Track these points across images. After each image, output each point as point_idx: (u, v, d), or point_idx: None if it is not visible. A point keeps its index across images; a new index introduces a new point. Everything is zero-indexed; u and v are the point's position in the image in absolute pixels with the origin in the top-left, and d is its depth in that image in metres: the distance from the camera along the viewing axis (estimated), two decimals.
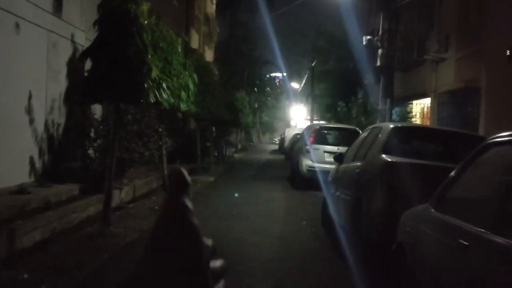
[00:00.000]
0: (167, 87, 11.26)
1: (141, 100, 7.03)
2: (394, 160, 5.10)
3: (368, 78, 16.53)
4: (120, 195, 11.02)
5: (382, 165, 5.15)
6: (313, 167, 12.72)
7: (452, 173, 3.37)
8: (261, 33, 41.90)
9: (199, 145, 17.38)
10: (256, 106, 49.04)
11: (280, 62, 43.38)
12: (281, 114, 59.37)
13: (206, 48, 33.77)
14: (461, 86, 13.15)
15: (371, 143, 5.90)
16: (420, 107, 16.93)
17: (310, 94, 34.30)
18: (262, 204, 10.31)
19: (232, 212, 9.14)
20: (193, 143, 17.55)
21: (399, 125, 6.55)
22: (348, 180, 6.28)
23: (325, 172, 12.36)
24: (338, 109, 16.87)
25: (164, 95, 7.61)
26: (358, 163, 5.99)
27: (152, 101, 7.14)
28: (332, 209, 7.12)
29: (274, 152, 39.94)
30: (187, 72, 12.16)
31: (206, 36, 35.00)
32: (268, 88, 54.59)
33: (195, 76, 12.41)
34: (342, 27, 32.48)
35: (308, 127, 14.55)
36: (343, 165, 6.92)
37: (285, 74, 49.66)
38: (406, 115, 16.05)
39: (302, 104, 51.09)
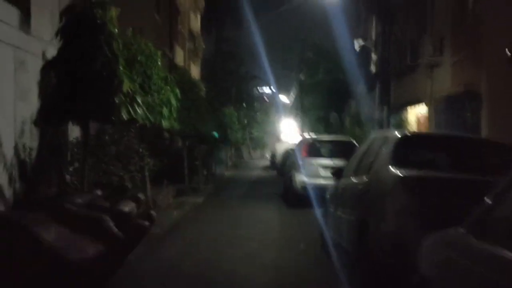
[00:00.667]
0: (146, 102, 10.50)
1: (113, 118, 6.20)
2: (406, 174, 4.33)
3: (361, 88, 15.86)
4: None
5: (392, 180, 4.38)
6: (308, 183, 11.93)
7: (497, 190, 2.59)
8: (247, 48, 41.43)
9: (186, 164, 16.53)
10: (245, 122, 48.32)
11: (268, 77, 42.83)
12: (271, 128, 58.63)
13: (192, 64, 33.13)
14: (459, 91, 12.49)
15: (375, 154, 5.13)
16: (415, 114, 16.27)
17: (299, 107, 33.63)
18: (255, 226, 9.48)
19: (222, 237, 8.30)
20: (181, 162, 16.70)
21: (409, 133, 5.77)
22: (351, 198, 5.49)
23: (321, 188, 11.58)
24: (331, 120, 16.15)
25: (139, 111, 6.79)
26: (361, 179, 5.21)
27: (125, 118, 6.33)
28: (333, 230, 6.32)
29: (266, 168, 39.11)
30: (168, 87, 11.39)
31: (191, 52, 34.39)
32: (257, 103, 53.97)
33: (177, 91, 11.65)
34: (329, 38, 32.10)
35: (301, 141, 13.81)
36: (343, 181, 6.13)
37: (273, 88, 49.11)
38: (400, 123, 15.37)
39: (292, 118, 50.47)
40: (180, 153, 16.92)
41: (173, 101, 11.19)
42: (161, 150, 18.80)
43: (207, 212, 11.81)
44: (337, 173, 6.63)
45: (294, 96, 44.00)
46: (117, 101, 6.09)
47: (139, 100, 6.92)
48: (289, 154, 23.51)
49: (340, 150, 12.40)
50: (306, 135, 13.55)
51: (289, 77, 44.38)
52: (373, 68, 11.86)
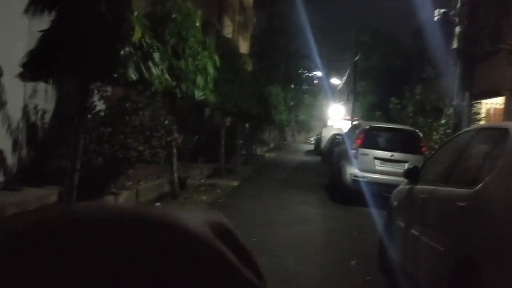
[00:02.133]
0: (178, 68, 8.95)
1: (115, 75, 4.63)
2: None
3: (430, 71, 13.78)
4: (116, 202, 8.79)
5: None
6: (360, 177, 10.14)
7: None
8: (300, 26, 39.26)
9: (223, 142, 14.99)
10: (292, 103, 46.46)
11: (320, 58, 40.55)
12: (318, 113, 56.51)
13: (241, 38, 31.42)
14: None
15: (486, 158, 3.36)
16: (486, 108, 14.04)
17: (352, 91, 31.47)
18: (292, 225, 7.80)
19: (252, 238, 6.70)
20: (218, 140, 15.21)
21: None
22: (440, 217, 3.74)
23: (376, 184, 9.82)
24: (390, 106, 14.15)
25: (155, 71, 5.19)
26: (461, 190, 3.45)
27: (133, 77, 4.74)
28: (402, 253, 4.59)
29: (309, 152, 37.25)
30: (206, 53, 9.80)
31: (241, 26, 32.65)
32: (306, 85, 51.90)
33: (216, 58, 10.03)
34: (388, 20, 29.79)
35: (354, 127, 11.93)
36: (423, 187, 4.36)
37: (323, 71, 46.74)
38: (473, 117, 13.26)
39: (341, 103, 48.16)
40: (218, 130, 15.37)
41: (210, 70, 9.60)
42: (198, 125, 17.40)
43: (239, 200, 10.23)
44: (412, 173, 4.85)
45: (345, 80, 41.65)
46: (122, 54, 4.50)
47: (156, 57, 5.31)
48: (337, 141, 21.65)
49: (402, 142, 10.52)
50: (359, 122, 11.66)
51: (342, 60, 41.97)
52: (455, 43, 9.95)
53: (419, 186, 4.49)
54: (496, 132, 3.49)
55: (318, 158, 30.14)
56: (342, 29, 38.71)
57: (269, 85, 30.14)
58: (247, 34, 35.71)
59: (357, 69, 31.17)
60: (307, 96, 51.65)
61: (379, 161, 10.18)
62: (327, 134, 33.08)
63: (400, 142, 10.47)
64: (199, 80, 9.22)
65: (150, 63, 5.11)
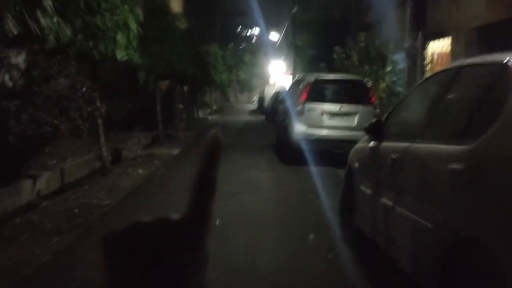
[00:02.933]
0: (93, 25, 7.71)
1: None
2: None
3: (373, 16, 13.01)
4: (35, 187, 7.63)
5: None
6: (309, 134, 9.38)
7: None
8: None
9: (159, 108, 13.83)
10: (232, 63, 45.13)
11: (257, 13, 39.19)
12: (259, 71, 55.47)
13: None
14: (502, 18, 9.79)
15: (480, 104, 2.54)
16: (432, 51, 13.51)
17: (291, 45, 30.62)
18: (240, 194, 6.93)
19: None
20: (154, 106, 14.03)
21: None
22: (423, 184, 2.92)
23: (325, 140, 9.10)
24: (334, 56, 13.35)
25: (43, 21, 4.03)
26: (451, 148, 2.62)
27: (14, 31, 3.58)
28: (369, 225, 3.82)
29: (253, 112, 36.43)
30: (126, 6, 8.52)
31: None
32: (244, 44, 50.51)
33: (139, 12, 8.78)
34: None
35: (298, 81, 11.07)
36: (391, 144, 3.55)
37: (261, 27, 45.42)
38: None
39: (282, 59, 47.29)
40: (153, 96, 14.17)
41: (133, 25, 8.36)
42: (132, 91, 16.06)
43: (180, 170, 9.25)
44: (374, 128, 4.02)
45: (284, 34, 40.65)
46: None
47: (48, 5, 4.13)
48: (280, 98, 20.88)
49: (350, 93, 9.80)
50: (303, 75, 10.80)
51: (280, 14, 40.76)
52: None
53: (386, 144, 3.69)
54: (490, 69, 2.67)
55: (263, 118, 29.38)
56: None
57: (206, 44, 28.76)
58: None
59: (295, 22, 30.22)
60: (246, 54, 50.34)
61: (327, 116, 9.43)
62: (269, 92, 32.30)
63: (348, 93, 9.74)
64: (120, 38, 7.99)
65: (38, 13, 3.94)
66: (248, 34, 51.53)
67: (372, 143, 4.04)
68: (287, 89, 13.53)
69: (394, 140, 3.60)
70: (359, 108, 9.41)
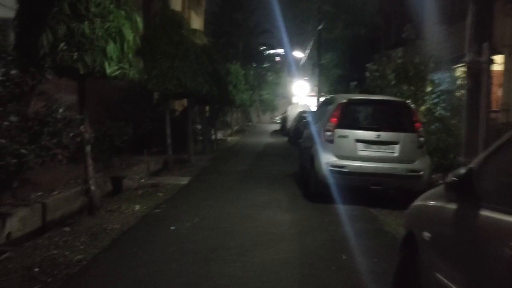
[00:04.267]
0: (80, 32, 6.33)
1: None
2: None
3: (409, 30, 11.41)
4: (3, 228, 6.26)
5: None
6: (339, 166, 7.77)
7: None
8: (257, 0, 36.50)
9: (168, 130, 12.42)
10: (255, 83, 43.87)
11: (280, 32, 37.94)
12: (282, 90, 54.13)
13: (193, 13, 28.51)
14: None
15: None
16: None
17: (317, 64, 29.14)
18: (252, 251, 5.32)
19: (195, 275, 4.27)
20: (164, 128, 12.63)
21: None
22: None
23: (360, 174, 7.50)
24: (367, 73, 11.71)
25: None
26: None
27: None
28: None
29: (275, 133, 34.91)
30: (122, 12, 7.15)
31: (193, 0, 29.73)
32: (267, 63, 49.31)
33: (138, 19, 7.37)
34: None
35: (327, 101, 9.44)
36: (502, 217, 1.98)
37: (285, 46, 44.11)
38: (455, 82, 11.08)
39: (306, 79, 45.84)
40: (160, 116, 12.80)
41: (128, 35, 6.94)
42: (142, 111, 14.74)
43: (183, 208, 7.73)
44: (464, 183, 2.40)
45: (309, 53, 39.24)
46: None
47: None
48: (304, 120, 19.31)
49: (390, 117, 8.18)
50: (333, 96, 9.18)
51: (305, 33, 39.40)
52: None
53: (489, 214, 2.11)
54: None
55: (285, 139, 27.80)
56: (303, 0, 36.02)
57: (227, 63, 27.51)
58: (201, 9, 32.79)
59: (321, 40, 28.78)
60: (269, 73, 49.09)
61: (362, 144, 7.81)
62: (292, 112, 30.76)
63: (388, 118, 8.13)
64: (111, 49, 6.58)
65: None
66: (271, 53, 50.35)
67: (458, 206, 2.46)
68: (312, 111, 11.89)
69: (503, 204, 2.01)
70: (401, 135, 7.78)
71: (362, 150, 7.79)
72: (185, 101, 17.99)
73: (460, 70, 10.14)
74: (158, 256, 5.17)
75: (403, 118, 8.02)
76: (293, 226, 6.57)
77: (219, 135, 25.43)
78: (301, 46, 41.00)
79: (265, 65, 48.76)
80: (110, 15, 6.81)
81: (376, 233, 6.31)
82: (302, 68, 46.93)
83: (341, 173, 7.73)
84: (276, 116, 54.79)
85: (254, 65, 43.99)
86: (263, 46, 44.82)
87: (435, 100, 10.67)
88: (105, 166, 11.05)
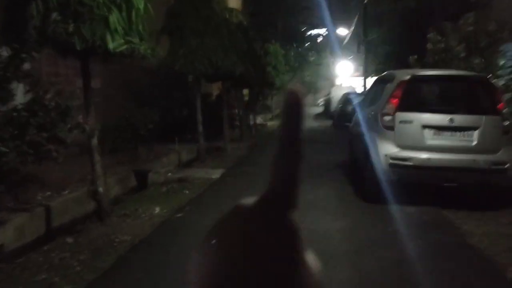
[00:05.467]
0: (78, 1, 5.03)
1: None
2: None
3: None
4: None
5: None
6: (403, 158, 6.24)
7: None
8: None
9: (199, 116, 11.15)
10: (295, 63, 42.07)
11: (322, 9, 35.84)
12: (325, 71, 52.03)
13: None
14: None
15: None
16: None
17: (362, 42, 27.21)
18: None
19: None
20: (193, 114, 11.38)
21: None
22: None
23: (429, 168, 5.98)
24: (429, 45, 9.90)
25: None
26: None
27: None
28: None
29: (318, 116, 33.27)
30: None
31: None
32: (309, 43, 47.22)
33: None
34: None
35: (383, 79, 7.74)
36: None
37: (327, 24, 41.91)
38: None
39: (350, 58, 43.72)
40: (190, 102, 11.53)
41: (138, 1, 5.61)
42: (173, 96, 13.52)
43: (211, 210, 6.40)
44: None
45: (353, 30, 37.09)
46: None
47: None
48: (352, 102, 17.65)
49: (465, 96, 6.53)
50: (391, 72, 7.49)
51: (349, 9, 37.21)
52: None
53: None
54: None
55: (329, 123, 26.15)
56: None
57: (266, 43, 26.00)
58: None
59: (366, 14, 26.78)
60: (311, 54, 47.06)
61: (432, 131, 6.24)
62: (336, 94, 28.98)
63: (463, 97, 6.48)
64: (115, 18, 5.27)
65: None
66: (312, 33, 48.25)
67: None
68: (362, 92, 10.23)
69: None
70: (481, 119, 6.16)
71: (432, 139, 6.22)
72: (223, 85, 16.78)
73: None
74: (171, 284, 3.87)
75: (482, 97, 6.36)
76: (345, 238, 5.13)
77: (259, 120, 24.07)
78: (345, 23, 38.88)
79: (306, 45, 46.73)
80: None
81: (458, 249, 4.80)
82: (345, 48, 44.77)
83: (404, 167, 6.20)
84: (319, 99, 52.94)
85: (295, 46, 42.13)
86: (304, 25, 42.75)
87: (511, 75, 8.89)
88: (131, 158, 9.93)
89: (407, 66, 10.84)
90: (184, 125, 13.53)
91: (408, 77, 6.45)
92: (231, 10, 15.51)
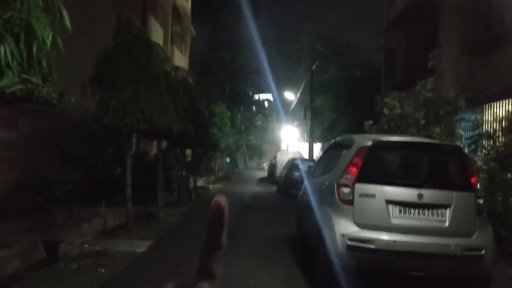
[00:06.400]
0: None
1: None
2: None
3: (436, 57, 9.11)
4: None
5: None
6: (363, 240, 5.17)
7: None
8: (246, 40, 34.56)
9: (129, 178, 9.80)
10: (242, 127, 41.58)
11: (269, 74, 35.85)
12: (271, 136, 51.90)
13: (176, 50, 26.42)
14: None
15: None
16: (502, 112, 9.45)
17: (309, 107, 26.96)
18: None
19: None
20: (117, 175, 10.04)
21: None
22: None
23: (394, 252, 4.92)
24: (385, 111, 9.13)
25: None
26: None
27: None
28: None
29: (263, 181, 32.25)
30: (39, 0, 4.69)
31: (177, 36, 27.71)
32: (254, 107, 47.16)
33: (64, 13, 4.91)
34: (341, 32, 26.34)
35: (339, 144, 6.79)
36: None
37: (274, 90, 42.04)
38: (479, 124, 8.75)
39: (295, 123, 43.76)
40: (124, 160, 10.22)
41: (44, 32, 4.45)
42: (100, 155, 12.14)
43: None
44: None
45: (300, 96, 37.19)
46: None
47: None
48: (299, 169, 16.81)
49: (435, 168, 5.63)
50: (349, 136, 6.50)
51: (296, 75, 37.45)
52: None
53: None
54: None
55: (273, 188, 25.15)
56: (294, 40, 34.22)
57: (212, 103, 25.21)
58: (186, 47, 30.76)
59: (313, 81, 26.73)
60: (257, 118, 46.90)
61: (397, 208, 5.25)
62: (282, 159, 28.19)
63: (433, 169, 5.58)
64: (7, 50, 4.07)
65: None
66: (260, 98, 48.40)
67: None
68: (311, 158, 9.23)
69: None
70: (453, 195, 5.25)
71: (397, 217, 5.22)
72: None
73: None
74: None
75: (454, 170, 5.49)
76: None
77: (201, 183, 22.77)
78: (292, 88, 39.05)
79: (253, 109, 46.61)
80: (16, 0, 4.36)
81: None
82: (291, 113, 44.93)
83: (365, 251, 5.12)
84: (263, 163, 52.34)
85: (242, 109, 41.80)
86: (252, 88, 42.69)
87: (472, 147, 8.27)
88: (44, 224, 8.38)
89: (356, 132, 10.12)
90: (115, 186, 12.07)
91: (369, 143, 5.51)
92: (177, 68, 14.64)
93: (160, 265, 6.82)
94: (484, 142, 8.23)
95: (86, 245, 7.96)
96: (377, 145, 5.49)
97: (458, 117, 8.84)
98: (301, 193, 8.46)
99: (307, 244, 6.49)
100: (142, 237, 8.82)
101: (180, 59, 27.03)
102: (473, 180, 5.43)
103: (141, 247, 7.95)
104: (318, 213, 5.94)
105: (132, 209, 10.60)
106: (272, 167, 31.09)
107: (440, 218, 5.21)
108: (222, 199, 0.57)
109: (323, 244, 5.46)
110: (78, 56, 10.86)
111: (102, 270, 6.44)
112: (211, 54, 33.84)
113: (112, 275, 6.22)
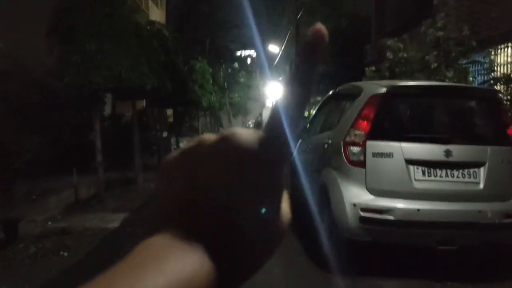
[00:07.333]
0: None
1: None
2: None
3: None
4: None
5: None
6: (379, 211, 4.18)
7: None
8: None
9: (99, 143, 8.70)
10: (225, 84, 40.24)
11: (252, 28, 34.21)
12: (255, 93, 50.62)
13: (151, 4, 24.78)
14: None
15: None
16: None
17: (294, 61, 25.67)
18: None
19: None
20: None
21: None
22: None
23: (416, 223, 3.92)
24: (389, 55, 7.98)
25: None
26: None
27: None
28: None
29: None
30: None
31: None
32: (237, 64, 45.66)
33: None
34: None
35: (343, 93, 5.64)
36: None
37: (258, 44, 40.42)
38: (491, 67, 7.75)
39: (280, 79, 42.46)
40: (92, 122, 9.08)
41: None
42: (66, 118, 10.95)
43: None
44: None
45: (284, 49, 35.75)
46: None
47: None
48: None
49: (467, 119, 4.61)
50: (355, 84, 5.32)
51: (280, 27, 35.85)
52: None
53: None
54: None
55: None
56: None
57: (191, 58, 23.87)
58: (162, 1, 28.99)
59: (298, 33, 25.43)
60: (241, 75, 45.48)
61: (420, 169, 4.25)
62: (267, 116, 27.13)
63: (462, 120, 4.56)
64: None
65: None
66: (242, 54, 46.79)
67: None
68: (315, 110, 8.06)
69: None
70: (488, 151, 4.26)
71: (420, 180, 4.23)
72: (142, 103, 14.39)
73: None
74: None
75: (488, 120, 4.48)
76: None
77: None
78: (276, 41, 37.53)
79: (236, 66, 45.09)
80: None
81: None
82: (276, 68, 43.57)
83: (382, 224, 4.15)
84: (249, 121, 51.31)
85: (224, 66, 40.31)
86: (234, 44, 40.99)
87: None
88: (3, 199, 7.30)
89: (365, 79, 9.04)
90: (89, 152, 10.95)
91: (382, 89, 4.42)
92: (152, 22, 13.41)
93: (135, 243, 5.82)
94: (499, 87, 7.24)
95: (49, 223, 6.91)
96: (393, 92, 4.40)
97: (470, 60, 7.79)
98: (294, 153, 7.44)
99: (305, 215, 5.51)
100: (116, 209, 7.80)
101: (156, 14, 25.43)
102: (510, 131, 4.43)
103: (114, 221, 6.92)
104: (319, 179, 4.93)
105: (109, 176, 9.59)
106: (258, 125, 30.07)
107: (472, 179, 4.23)
108: (322, 27, 0.35)
109: (328, 217, 4.47)
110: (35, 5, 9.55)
111: (65, 254, 5.43)
112: (190, 8, 32.07)
113: (75, 259, 5.20)
